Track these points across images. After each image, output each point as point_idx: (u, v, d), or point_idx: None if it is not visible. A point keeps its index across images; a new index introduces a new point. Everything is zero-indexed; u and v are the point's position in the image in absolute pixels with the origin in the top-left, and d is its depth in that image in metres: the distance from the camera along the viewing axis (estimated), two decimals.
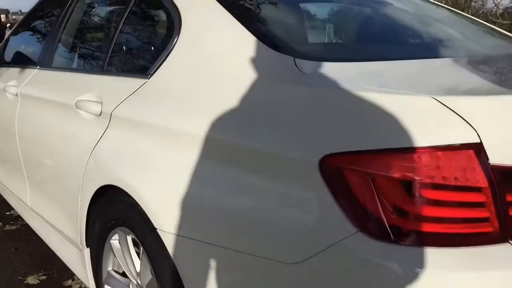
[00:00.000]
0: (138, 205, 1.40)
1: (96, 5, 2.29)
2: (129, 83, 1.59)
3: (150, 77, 1.52)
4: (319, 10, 1.80)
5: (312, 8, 1.82)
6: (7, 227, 2.92)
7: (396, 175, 0.93)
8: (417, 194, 0.92)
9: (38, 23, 2.85)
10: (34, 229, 2.41)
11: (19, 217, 2.80)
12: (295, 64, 1.20)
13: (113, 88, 1.67)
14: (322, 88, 1.09)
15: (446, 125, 0.93)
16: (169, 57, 1.50)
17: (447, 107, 0.94)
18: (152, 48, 1.71)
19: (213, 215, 1.19)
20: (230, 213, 1.15)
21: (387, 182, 0.94)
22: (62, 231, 2.02)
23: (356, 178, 0.96)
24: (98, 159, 1.63)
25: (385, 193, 0.94)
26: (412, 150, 0.92)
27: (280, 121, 1.10)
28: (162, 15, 1.72)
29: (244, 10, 1.52)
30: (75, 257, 1.92)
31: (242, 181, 1.14)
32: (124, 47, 1.82)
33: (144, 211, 1.37)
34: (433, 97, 0.96)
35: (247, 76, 1.24)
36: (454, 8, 2.33)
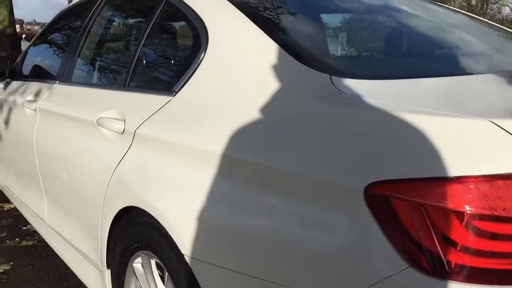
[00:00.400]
0: (163, 228, 1.34)
1: (117, 19, 2.24)
2: (153, 101, 1.54)
3: (175, 95, 1.46)
4: (350, 23, 1.73)
5: (342, 21, 1.74)
6: (24, 242, 2.88)
7: (452, 206, 0.85)
8: (475, 226, 0.85)
9: (57, 36, 2.83)
10: (51, 246, 2.36)
11: (35, 232, 2.75)
12: (332, 83, 1.13)
13: (136, 105, 1.62)
14: (366, 109, 1.02)
15: (507, 151, 0.86)
16: (195, 73, 1.44)
17: (507, 131, 0.86)
18: (177, 63, 1.65)
19: (246, 244, 1.12)
20: (266, 242, 1.08)
21: (442, 213, 0.86)
22: (82, 251, 1.96)
23: (407, 208, 0.89)
24: (120, 179, 1.57)
25: (440, 225, 0.86)
26: (469, 178, 0.84)
27: (320, 144, 1.03)
28: (187, 29, 1.67)
29: (274, 25, 1.45)
30: (95, 277, 1.86)
31: (277, 208, 1.07)
32: (147, 63, 1.76)
33: (170, 235, 1.31)
34: (490, 120, 0.88)
35: (280, 95, 1.18)
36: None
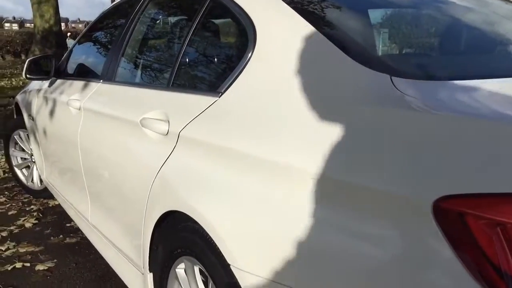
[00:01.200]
0: (208, 235, 1.28)
1: (161, 17, 2.20)
2: (198, 101, 1.48)
3: (221, 95, 1.40)
4: (406, 19, 1.61)
5: (397, 16, 1.63)
6: (67, 239, 2.90)
7: None
8: None
9: (101, 35, 2.83)
10: (94, 244, 2.36)
11: (79, 229, 2.77)
12: (393, 84, 1.04)
13: (181, 106, 1.57)
14: (435, 114, 0.93)
15: None
16: (242, 73, 1.37)
17: None
18: (223, 63, 1.59)
19: (300, 257, 1.04)
20: (322, 256, 1.00)
21: None
22: (124, 252, 1.94)
23: (483, 226, 0.79)
24: (164, 181, 1.53)
25: None
26: None
27: (385, 153, 0.94)
28: (234, 27, 1.60)
29: (327, 21, 1.37)
30: (137, 280, 1.84)
31: (336, 220, 0.99)
32: (191, 62, 1.71)
33: (215, 243, 1.25)
34: None
35: (336, 97, 1.10)
36: None
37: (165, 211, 1.49)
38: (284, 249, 1.06)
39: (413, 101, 0.99)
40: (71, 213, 2.73)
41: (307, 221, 1.03)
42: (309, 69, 1.19)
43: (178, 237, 1.50)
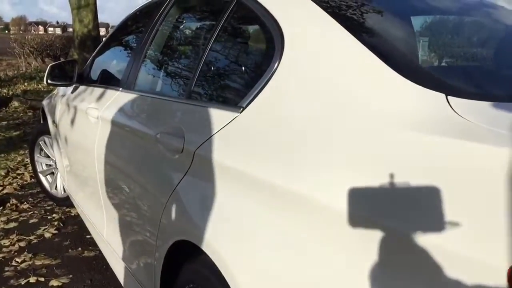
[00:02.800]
0: (220, 273, 1.10)
1: (182, 25, 2.04)
2: (216, 116, 1.31)
3: (242, 111, 1.22)
4: (462, 26, 1.37)
5: (450, 23, 1.40)
6: (86, 253, 2.78)
7: None
8: None
9: (123, 41, 2.70)
10: (109, 262, 2.22)
11: None
12: (450, 105, 0.84)
13: (197, 121, 1.39)
14: (507, 148, 0.72)
15: None
16: (267, 86, 1.19)
17: None
18: (245, 73, 1.41)
19: None
20: None
21: None
22: (136, 276, 1.78)
23: None
24: (177, 206, 1.36)
25: None
26: None
27: (439, 200, 0.74)
28: (259, 34, 1.42)
29: (368, 29, 1.16)
30: None
31: (376, 273, 0.80)
32: (211, 71, 1.54)
33: (227, 283, 1.07)
34: None
35: (379, 120, 0.90)
36: None
37: (175, 240, 1.32)
38: None
39: (478, 129, 0.78)
40: (88, 225, 2.61)
41: (333, 271, 0.84)
42: (346, 84, 0.99)
43: (190, 269, 1.33)
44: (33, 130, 3.95)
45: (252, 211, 1.08)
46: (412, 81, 0.90)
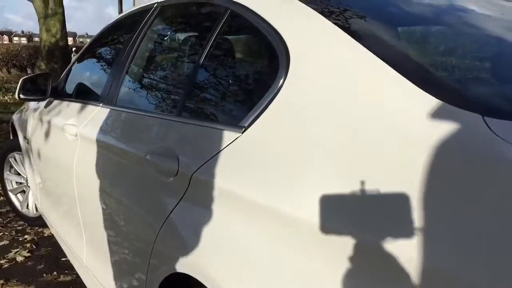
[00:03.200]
0: None
1: (169, 34, 1.93)
2: (215, 137, 1.21)
3: (244, 131, 1.13)
4: (493, 35, 1.26)
5: (478, 33, 1.28)
6: (62, 277, 2.61)
7: None
8: None
9: (103, 52, 2.56)
10: None
11: None
12: (488, 127, 0.76)
13: (194, 141, 1.29)
14: None
15: None
16: (272, 104, 1.09)
17: None
18: (247, 89, 1.31)
19: None
20: None
21: None
22: None
23: None
24: (171, 235, 1.25)
25: None
26: None
27: (480, 225, 0.66)
28: (260, 46, 1.32)
29: (385, 41, 1.08)
30: None
31: None
32: (206, 87, 1.43)
33: None
34: None
35: (404, 145, 0.81)
36: None
37: (170, 272, 1.20)
38: None
39: None
40: (64, 248, 2.45)
41: None
42: (364, 103, 0.91)
43: None
44: (2, 146, 3.74)
45: (256, 241, 0.99)
46: (440, 99, 0.83)
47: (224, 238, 1.08)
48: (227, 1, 1.41)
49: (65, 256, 2.77)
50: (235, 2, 1.36)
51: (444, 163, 0.75)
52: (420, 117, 0.82)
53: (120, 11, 16.44)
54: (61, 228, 2.40)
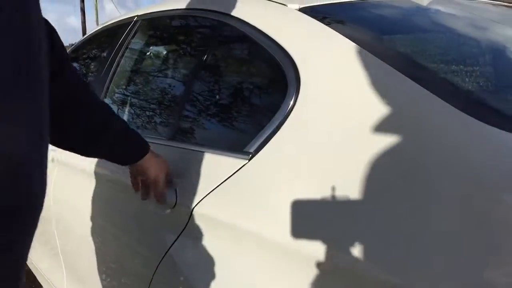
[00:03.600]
0: None
1: (157, 50, 1.79)
2: (218, 164, 1.09)
3: (251, 158, 1.02)
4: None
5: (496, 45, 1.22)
6: None
7: None
8: None
9: (81, 68, 2.40)
10: None
11: None
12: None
13: (194, 168, 1.16)
14: None
15: None
16: (282, 129, 0.99)
17: None
18: (253, 112, 1.20)
19: None
20: None
21: None
22: None
23: None
24: (170, 272, 1.13)
25: None
26: None
27: None
28: (266, 66, 1.21)
29: (408, 57, 0.99)
30: None
31: None
32: (204, 107, 1.32)
33: None
34: None
35: (435, 170, 0.72)
36: None
37: None
38: None
39: None
40: (41, 279, 2.27)
41: None
42: (390, 128, 0.81)
43: None
44: None
45: (267, 279, 0.89)
46: (474, 117, 0.74)
47: (231, 281, 0.97)
48: (222, 14, 1.30)
49: (39, 286, 2.60)
50: (232, 16, 1.26)
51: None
52: (443, 133, 0.74)
53: (83, 21, 16.00)
54: (36, 258, 2.23)
